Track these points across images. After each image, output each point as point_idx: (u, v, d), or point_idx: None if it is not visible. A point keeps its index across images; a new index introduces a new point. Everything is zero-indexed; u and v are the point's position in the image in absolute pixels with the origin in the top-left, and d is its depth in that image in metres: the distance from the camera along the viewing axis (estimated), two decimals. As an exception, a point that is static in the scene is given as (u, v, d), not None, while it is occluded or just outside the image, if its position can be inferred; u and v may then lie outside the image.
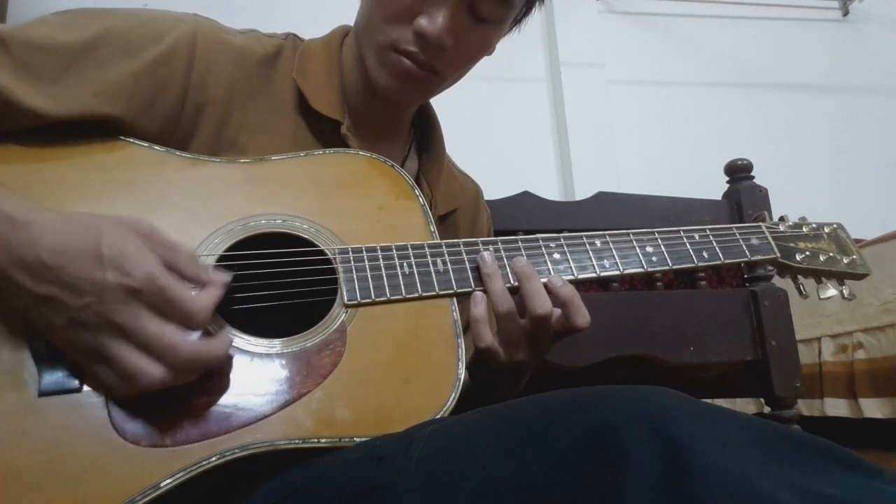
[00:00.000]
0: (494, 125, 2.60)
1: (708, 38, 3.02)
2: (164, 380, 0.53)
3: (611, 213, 1.34)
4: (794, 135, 2.97)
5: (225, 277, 0.58)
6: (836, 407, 2.00)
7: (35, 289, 0.52)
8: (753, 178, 1.41)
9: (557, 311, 0.71)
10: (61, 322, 0.53)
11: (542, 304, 0.69)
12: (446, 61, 0.75)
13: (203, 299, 0.56)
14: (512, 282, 0.71)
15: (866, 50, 3.18)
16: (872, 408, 1.88)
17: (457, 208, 0.93)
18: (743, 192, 1.38)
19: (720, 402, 1.82)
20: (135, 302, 0.53)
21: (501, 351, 0.71)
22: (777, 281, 1.33)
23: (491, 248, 0.72)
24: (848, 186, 2.90)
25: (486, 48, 0.78)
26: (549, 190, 2.62)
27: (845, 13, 3.20)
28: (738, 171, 1.41)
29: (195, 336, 0.55)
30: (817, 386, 2.08)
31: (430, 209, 0.82)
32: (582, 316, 0.71)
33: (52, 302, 0.53)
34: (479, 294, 0.70)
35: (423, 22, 0.71)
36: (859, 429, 1.91)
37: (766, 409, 1.35)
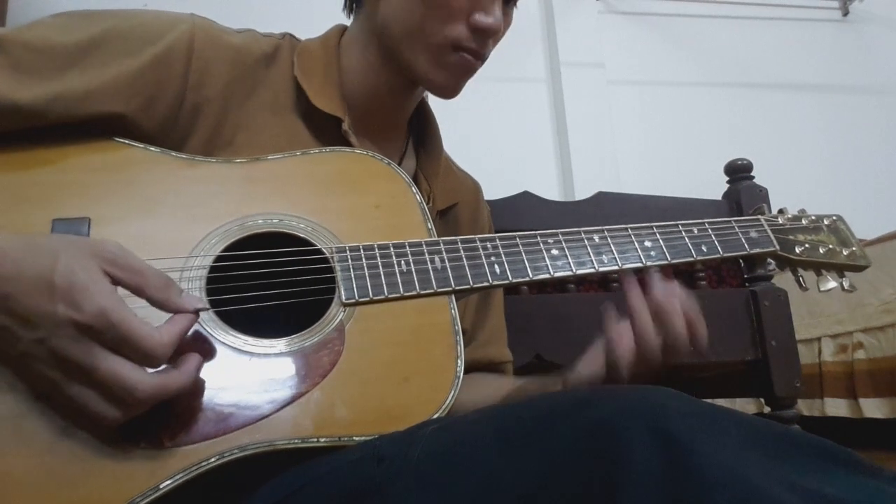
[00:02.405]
0: (494, 125, 2.59)
1: (708, 38, 3.02)
2: (122, 419, 0.51)
3: (611, 213, 1.33)
4: (794, 135, 2.97)
5: (198, 304, 0.56)
6: (836, 407, 2.00)
7: None
8: (753, 178, 1.41)
9: None
10: (16, 353, 0.51)
11: (681, 334, 0.68)
12: (491, 45, 0.79)
13: (164, 334, 0.52)
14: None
15: (866, 50, 3.18)
16: (872, 408, 1.88)
17: (457, 203, 0.93)
18: (743, 192, 1.38)
19: (720, 402, 1.81)
20: (87, 338, 0.50)
21: (625, 374, 0.68)
22: (777, 280, 1.33)
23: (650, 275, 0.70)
24: (848, 186, 2.89)
25: (510, 25, 0.81)
26: (549, 190, 2.62)
27: (845, 13, 3.20)
28: (738, 171, 1.41)
29: (153, 371, 0.52)
30: (817, 386, 2.08)
31: (429, 205, 0.82)
32: (703, 335, 0.70)
33: (6, 332, 0.50)
34: (627, 334, 0.68)
35: (480, 17, 0.74)
36: (859, 429, 1.91)
37: (766, 409, 1.34)
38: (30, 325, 0.50)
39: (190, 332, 0.57)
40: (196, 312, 0.55)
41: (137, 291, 0.53)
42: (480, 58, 0.77)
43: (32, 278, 0.50)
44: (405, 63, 0.77)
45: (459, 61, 0.76)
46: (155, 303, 0.54)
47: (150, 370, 0.51)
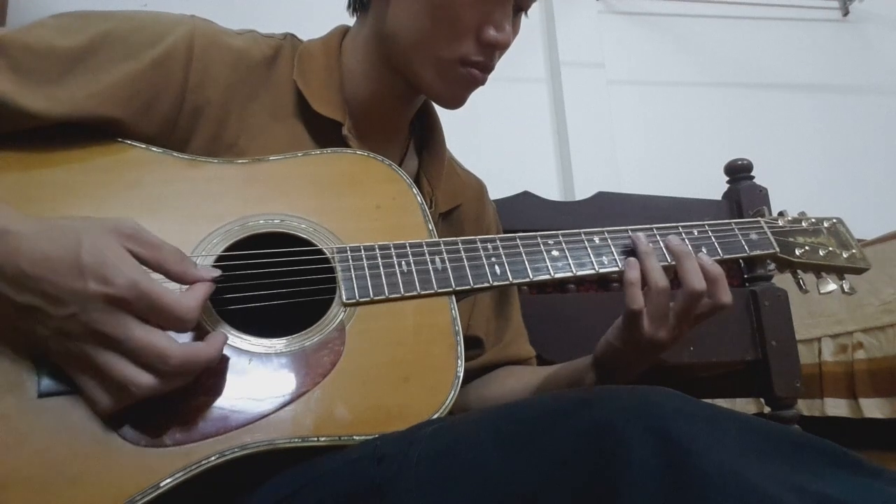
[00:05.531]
0: (494, 125, 2.59)
1: (708, 38, 3.02)
2: (156, 387, 0.52)
3: (611, 213, 1.33)
4: (794, 135, 2.97)
5: (214, 272, 0.58)
6: (836, 407, 2.00)
7: (17, 299, 0.52)
8: (753, 178, 1.41)
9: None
10: (47, 332, 0.52)
11: (699, 281, 0.72)
12: (498, 59, 0.79)
13: (189, 299, 0.54)
14: (669, 261, 0.75)
15: (866, 50, 3.17)
16: (872, 408, 1.87)
17: (460, 205, 0.93)
18: (743, 192, 1.37)
19: (720, 402, 1.82)
20: (119, 310, 0.52)
21: (647, 323, 0.73)
22: (777, 281, 1.33)
23: (642, 233, 0.77)
24: (848, 186, 2.89)
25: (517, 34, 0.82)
26: (549, 190, 2.62)
27: (845, 13, 3.19)
28: (738, 171, 1.41)
29: (185, 339, 0.54)
30: (817, 386, 2.07)
31: (431, 207, 0.82)
32: (727, 294, 0.74)
33: (36, 312, 0.52)
34: (633, 259, 0.74)
35: (492, 33, 0.74)
36: (859, 429, 1.91)
37: (766, 409, 1.34)
38: (61, 303, 0.51)
39: (189, 331, 0.57)
40: (213, 280, 0.57)
41: (156, 265, 0.55)
42: (488, 71, 0.78)
43: (59, 259, 0.51)
44: (411, 74, 0.77)
45: (467, 76, 0.76)
46: (173, 275, 0.56)
47: (181, 341, 0.53)
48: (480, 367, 0.94)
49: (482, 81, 0.78)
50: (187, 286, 0.57)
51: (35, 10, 2.00)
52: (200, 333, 0.58)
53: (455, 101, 0.80)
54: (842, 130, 3.03)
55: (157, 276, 0.55)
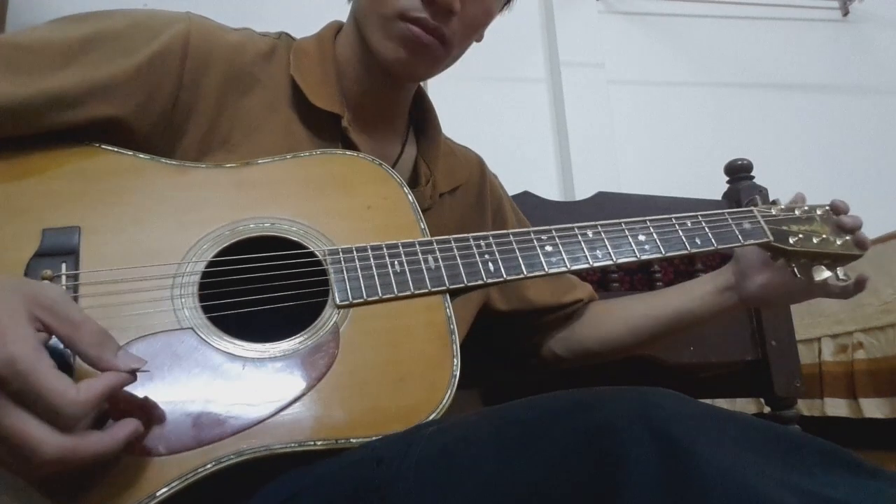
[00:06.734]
0: (494, 125, 2.59)
1: (708, 38, 3.02)
2: (34, 477, 0.48)
3: (611, 212, 1.33)
4: (794, 135, 2.96)
5: (134, 363, 0.51)
6: (836, 407, 2.00)
7: None
8: (753, 178, 1.40)
9: None
10: None
11: None
12: (453, 27, 0.75)
13: (81, 391, 0.46)
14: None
15: (866, 50, 3.17)
16: (872, 408, 1.87)
17: (460, 185, 0.93)
18: (743, 192, 1.37)
19: (720, 402, 1.82)
20: None
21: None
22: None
23: None
24: (848, 186, 2.88)
25: (489, 16, 0.79)
26: (549, 190, 2.61)
27: (845, 13, 3.19)
28: (738, 171, 1.40)
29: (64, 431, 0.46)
30: (817, 386, 2.07)
31: (430, 186, 0.82)
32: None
33: None
34: None
35: None
36: (859, 429, 1.90)
37: (766, 409, 1.34)
38: None
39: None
40: (132, 373, 0.51)
41: (69, 343, 0.49)
42: (433, 32, 0.73)
43: None
44: (366, 40, 0.77)
45: (406, 32, 0.73)
46: (86, 358, 0.49)
47: (62, 430, 0.46)
48: (563, 313, 1.01)
49: (426, 42, 0.73)
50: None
51: (35, 11, 2.00)
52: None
53: (398, 64, 0.75)
54: (842, 130, 3.03)
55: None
